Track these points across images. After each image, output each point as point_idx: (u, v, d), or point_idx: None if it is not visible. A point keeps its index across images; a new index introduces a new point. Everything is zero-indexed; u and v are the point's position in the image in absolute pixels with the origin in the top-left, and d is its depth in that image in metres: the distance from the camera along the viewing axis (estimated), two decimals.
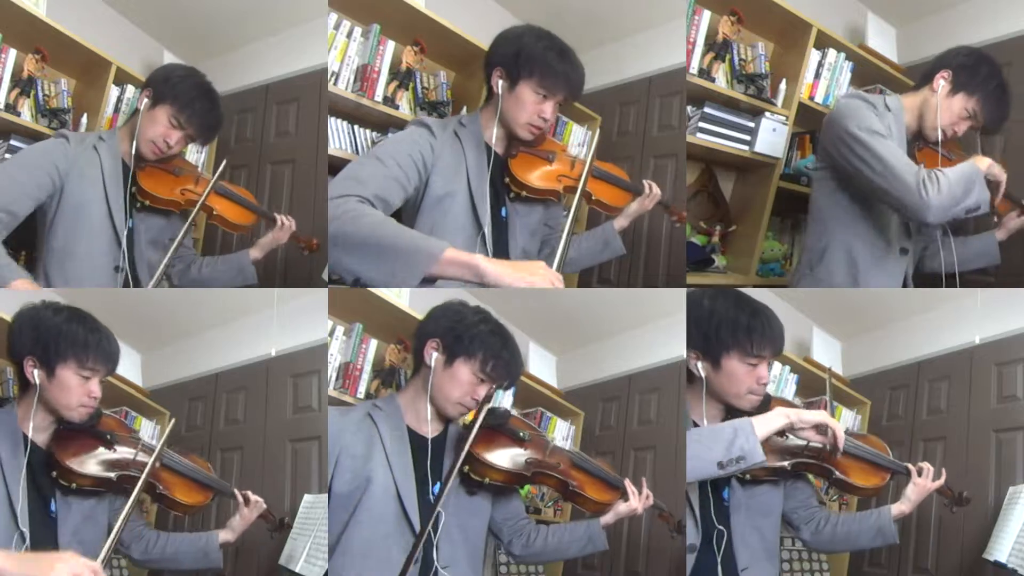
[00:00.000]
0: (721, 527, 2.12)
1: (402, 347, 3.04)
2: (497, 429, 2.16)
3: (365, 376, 2.93)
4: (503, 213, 2.44)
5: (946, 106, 2.49)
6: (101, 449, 2.16)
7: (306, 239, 2.74)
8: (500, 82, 2.37)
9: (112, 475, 2.15)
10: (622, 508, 2.32)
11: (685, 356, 2.16)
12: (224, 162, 2.64)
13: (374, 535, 2.05)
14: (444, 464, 2.13)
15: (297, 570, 2.69)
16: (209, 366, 3.23)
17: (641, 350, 3.26)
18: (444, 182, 2.31)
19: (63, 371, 2.07)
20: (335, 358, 2.91)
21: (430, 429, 2.13)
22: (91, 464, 2.13)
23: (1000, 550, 2.59)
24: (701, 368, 2.12)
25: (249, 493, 2.38)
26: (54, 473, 2.10)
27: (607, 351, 3.31)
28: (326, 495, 2.82)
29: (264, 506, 2.40)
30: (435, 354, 2.10)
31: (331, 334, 2.90)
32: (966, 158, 2.53)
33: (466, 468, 2.11)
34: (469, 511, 2.16)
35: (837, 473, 2.24)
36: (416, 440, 2.12)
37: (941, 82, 2.49)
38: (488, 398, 2.10)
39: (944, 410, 3.12)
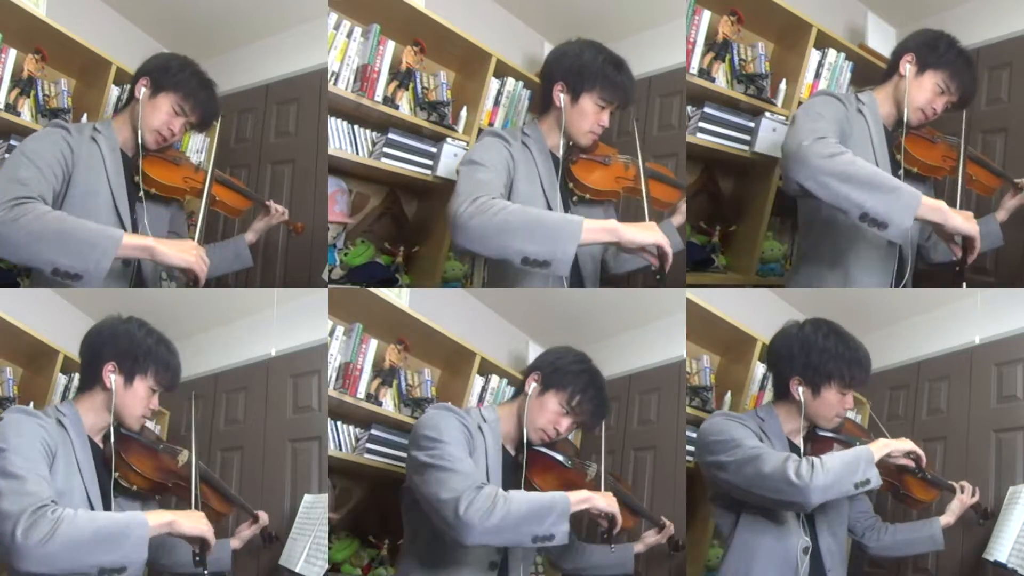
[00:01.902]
0: (810, 536, 2.35)
1: (402, 347, 3.04)
2: (547, 456, 2.36)
3: (365, 376, 2.94)
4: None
5: (917, 86, 2.53)
6: (154, 455, 2.28)
7: (293, 223, 2.83)
8: (562, 95, 2.48)
9: (168, 483, 2.27)
10: (651, 539, 2.75)
11: (685, 356, 2.23)
12: (215, 147, 2.69)
13: None
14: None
15: (297, 570, 2.70)
16: (209, 366, 3.23)
17: (641, 350, 3.26)
18: (523, 189, 2.43)
19: (141, 383, 2.21)
20: (335, 358, 2.91)
21: (515, 448, 2.37)
22: (153, 469, 2.25)
23: (1000, 550, 2.59)
24: (802, 393, 2.34)
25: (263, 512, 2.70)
26: (116, 474, 2.19)
27: (607, 351, 3.30)
28: (326, 495, 2.84)
29: (266, 522, 2.68)
30: (534, 384, 2.34)
31: (331, 334, 2.90)
32: (948, 142, 2.59)
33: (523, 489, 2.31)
34: None
35: (903, 489, 2.56)
36: (506, 455, 2.35)
37: (907, 65, 2.54)
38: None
39: (944, 410, 3.11)
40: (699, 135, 3.07)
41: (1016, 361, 2.92)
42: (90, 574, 1.85)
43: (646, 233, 2.23)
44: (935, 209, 2.25)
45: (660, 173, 2.67)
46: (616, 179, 2.56)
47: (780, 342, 2.43)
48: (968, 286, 3.02)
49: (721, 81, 3.09)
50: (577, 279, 2.55)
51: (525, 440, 2.33)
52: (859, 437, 2.41)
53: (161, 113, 2.46)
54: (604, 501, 2.17)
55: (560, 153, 2.52)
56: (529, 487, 2.29)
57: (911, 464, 2.33)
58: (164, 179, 2.48)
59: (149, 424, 3.20)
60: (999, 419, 2.92)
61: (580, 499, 2.13)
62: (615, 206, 2.73)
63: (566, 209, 2.52)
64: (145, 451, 2.25)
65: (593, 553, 2.70)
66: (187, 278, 2.29)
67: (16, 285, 2.88)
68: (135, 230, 2.44)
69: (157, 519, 1.97)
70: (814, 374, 2.33)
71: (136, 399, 2.20)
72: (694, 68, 3.01)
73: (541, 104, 2.59)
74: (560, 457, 2.36)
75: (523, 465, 2.33)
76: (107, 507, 2.13)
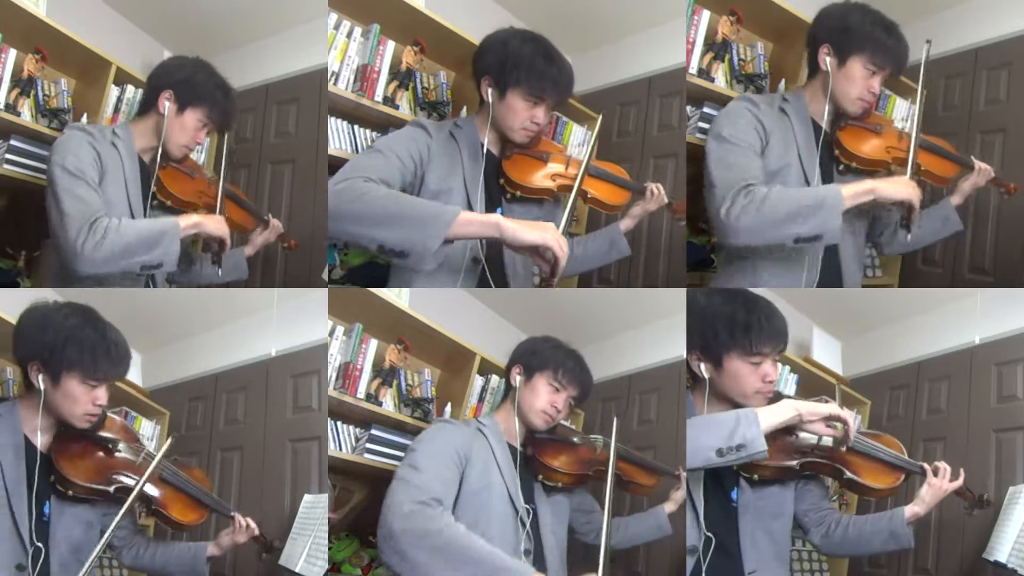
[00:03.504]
0: (727, 529, 2.13)
1: (402, 347, 3.04)
2: (553, 439, 2.48)
3: (365, 376, 2.93)
4: (499, 212, 2.47)
5: (844, 78, 2.41)
6: (102, 457, 2.17)
7: (287, 239, 2.86)
8: (490, 91, 2.41)
9: (110, 488, 2.15)
10: (679, 495, 2.63)
11: (685, 356, 2.18)
12: (224, 164, 2.69)
13: (493, 532, 2.24)
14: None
15: (297, 570, 2.69)
16: (209, 366, 3.23)
17: (641, 350, 3.26)
18: (439, 180, 2.37)
19: (68, 380, 2.07)
20: (335, 358, 2.91)
21: (519, 441, 2.41)
22: (90, 473, 2.13)
23: (1000, 550, 2.59)
24: (704, 369, 2.13)
25: (246, 519, 2.45)
26: (52, 478, 2.10)
27: (607, 351, 3.30)
28: (326, 495, 2.84)
29: (256, 531, 2.46)
30: (519, 377, 2.42)
31: (331, 334, 2.90)
32: (892, 129, 2.48)
33: (539, 476, 2.43)
34: (556, 515, 2.45)
35: (848, 473, 2.22)
36: (512, 451, 2.39)
37: (827, 59, 2.42)
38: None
39: (944, 410, 3.12)
40: (699, 135, 3.06)
41: (1016, 361, 2.92)
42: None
43: (534, 233, 2.08)
44: (862, 193, 2.22)
45: (608, 172, 2.56)
46: (552, 176, 2.47)
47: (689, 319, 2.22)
48: (968, 286, 3.04)
49: (720, 81, 3.09)
50: (502, 280, 2.48)
51: (518, 431, 2.39)
52: None
53: (189, 129, 2.48)
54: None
55: (495, 147, 2.45)
56: (548, 472, 2.42)
57: (838, 435, 2.02)
58: (180, 193, 2.50)
59: (149, 428, 3.20)
60: (999, 419, 2.93)
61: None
62: (558, 205, 2.64)
63: (497, 206, 2.46)
64: (92, 451, 2.17)
65: (629, 525, 2.71)
66: (218, 247, 2.43)
67: (16, 285, 2.88)
68: None
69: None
70: (706, 343, 2.12)
71: (69, 399, 2.08)
72: (693, 68, 3.01)
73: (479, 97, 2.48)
74: (565, 438, 2.49)
75: (534, 456, 2.41)
76: (37, 510, 2.07)
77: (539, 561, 2.30)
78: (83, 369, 2.07)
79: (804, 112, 2.47)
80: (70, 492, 2.11)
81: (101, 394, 2.11)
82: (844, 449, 2.18)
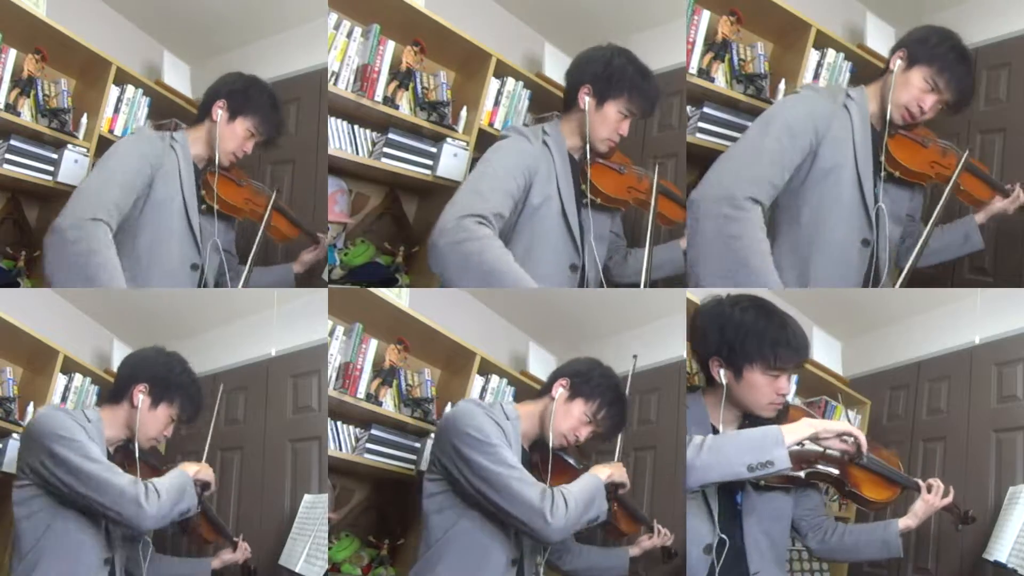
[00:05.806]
0: (732, 531, 2.18)
1: (402, 347, 3.04)
2: (563, 459, 2.39)
3: (365, 376, 2.94)
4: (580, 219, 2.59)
5: (904, 82, 2.45)
6: (156, 475, 2.37)
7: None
8: (587, 99, 2.52)
9: None
10: (646, 543, 2.68)
11: (685, 356, 2.21)
12: (276, 191, 2.79)
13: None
14: None
15: (297, 570, 2.70)
16: (209, 366, 3.23)
17: (641, 350, 3.25)
18: (540, 190, 2.48)
19: (165, 409, 2.36)
20: (335, 358, 2.91)
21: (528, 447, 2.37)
22: None
23: (1000, 550, 2.59)
24: (723, 376, 2.17)
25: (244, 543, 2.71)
26: None
27: (607, 351, 3.30)
28: (326, 495, 2.84)
29: (249, 554, 2.71)
30: (561, 390, 2.33)
31: (331, 334, 2.90)
32: (936, 144, 2.52)
33: None
34: None
35: (849, 486, 2.30)
36: (524, 453, 2.34)
37: (898, 60, 2.48)
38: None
39: (944, 410, 3.12)
40: (698, 135, 3.07)
41: (1016, 361, 2.92)
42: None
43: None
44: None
45: (670, 190, 2.72)
46: (628, 188, 2.61)
47: (698, 318, 2.25)
48: (968, 286, 3.04)
49: (720, 81, 3.09)
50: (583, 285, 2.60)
51: (551, 444, 2.34)
52: None
53: (238, 137, 2.61)
54: (618, 473, 2.29)
55: (578, 156, 2.56)
56: None
57: (850, 450, 2.13)
58: (228, 198, 2.63)
59: None
60: (999, 419, 2.93)
61: (607, 475, 2.24)
62: (620, 214, 2.77)
63: (579, 211, 2.56)
64: (148, 470, 2.36)
65: (591, 554, 2.69)
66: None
67: (16, 285, 2.88)
68: (201, 239, 2.59)
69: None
70: (731, 353, 2.15)
71: (157, 422, 2.35)
72: (693, 68, 3.01)
73: (564, 104, 2.61)
74: (573, 461, 2.43)
75: (536, 465, 2.35)
76: None
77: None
78: (181, 406, 2.37)
79: (864, 111, 2.49)
80: None
81: (171, 429, 2.41)
82: (851, 463, 2.26)
